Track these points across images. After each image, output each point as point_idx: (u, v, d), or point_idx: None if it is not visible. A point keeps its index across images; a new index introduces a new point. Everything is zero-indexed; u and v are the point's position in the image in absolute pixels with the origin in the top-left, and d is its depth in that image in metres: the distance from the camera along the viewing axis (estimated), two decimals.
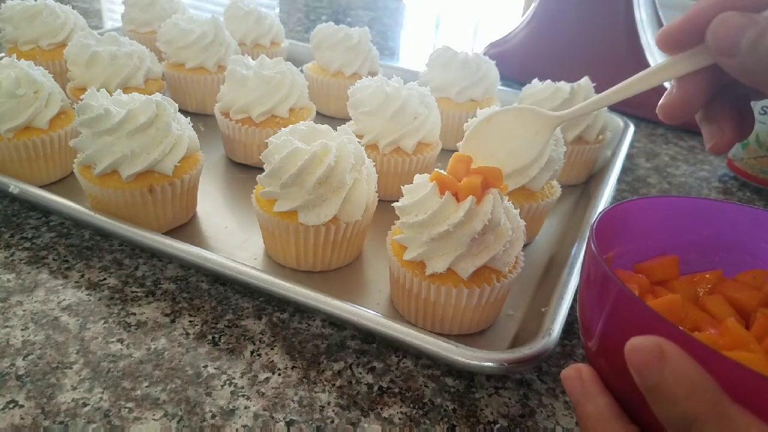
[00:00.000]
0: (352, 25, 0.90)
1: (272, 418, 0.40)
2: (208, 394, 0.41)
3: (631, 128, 0.84)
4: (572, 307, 0.49)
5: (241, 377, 0.43)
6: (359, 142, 0.55)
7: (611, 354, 0.29)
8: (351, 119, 0.68)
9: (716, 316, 0.35)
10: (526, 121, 0.42)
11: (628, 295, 0.28)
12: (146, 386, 0.42)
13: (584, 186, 0.76)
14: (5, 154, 0.61)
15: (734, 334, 0.31)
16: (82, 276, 0.52)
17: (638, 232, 0.39)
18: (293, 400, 0.42)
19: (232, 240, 0.59)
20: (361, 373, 0.44)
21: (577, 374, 0.31)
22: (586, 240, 0.33)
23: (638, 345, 0.25)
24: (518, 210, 0.49)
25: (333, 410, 0.41)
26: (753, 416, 0.23)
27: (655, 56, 1.02)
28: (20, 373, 0.42)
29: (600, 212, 0.36)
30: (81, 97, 0.56)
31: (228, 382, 0.43)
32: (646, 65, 0.99)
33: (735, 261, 0.39)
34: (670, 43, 0.35)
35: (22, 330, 0.46)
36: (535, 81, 0.76)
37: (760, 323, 0.33)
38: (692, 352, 0.24)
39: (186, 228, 0.60)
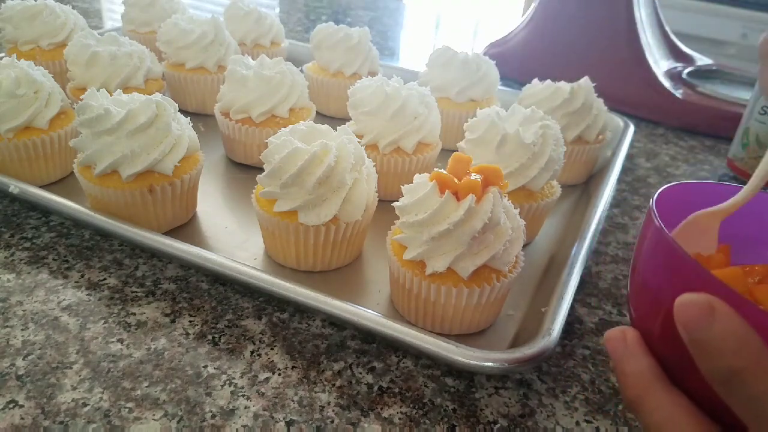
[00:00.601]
0: (352, 25, 0.90)
1: (272, 418, 0.40)
2: (208, 394, 0.41)
3: (631, 128, 0.84)
4: (572, 307, 0.49)
5: (241, 377, 0.43)
6: (359, 142, 0.55)
7: (665, 319, 0.29)
8: (351, 119, 0.68)
9: (765, 304, 0.35)
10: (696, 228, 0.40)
11: (688, 260, 0.28)
12: (146, 386, 0.42)
13: (584, 186, 0.76)
14: (5, 154, 0.61)
15: None
16: (82, 276, 0.52)
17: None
18: (293, 400, 0.42)
19: (232, 240, 0.59)
20: (361, 373, 0.44)
21: (621, 335, 0.32)
22: (647, 211, 0.34)
23: (688, 301, 0.26)
24: (518, 210, 0.49)
25: (333, 410, 0.41)
26: None
27: (654, 56, 1.02)
28: (20, 373, 0.42)
29: (663, 187, 0.36)
30: (81, 97, 0.56)
31: (228, 382, 0.43)
32: (646, 65, 0.99)
33: None
34: None
35: (22, 330, 0.46)
36: (535, 81, 0.76)
37: None
38: (743, 313, 0.25)
39: (186, 228, 0.60)
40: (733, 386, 0.25)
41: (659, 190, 0.36)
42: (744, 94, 0.95)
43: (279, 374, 0.44)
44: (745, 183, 0.37)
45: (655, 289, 0.31)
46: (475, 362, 0.41)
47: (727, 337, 0.24)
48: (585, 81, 0.72)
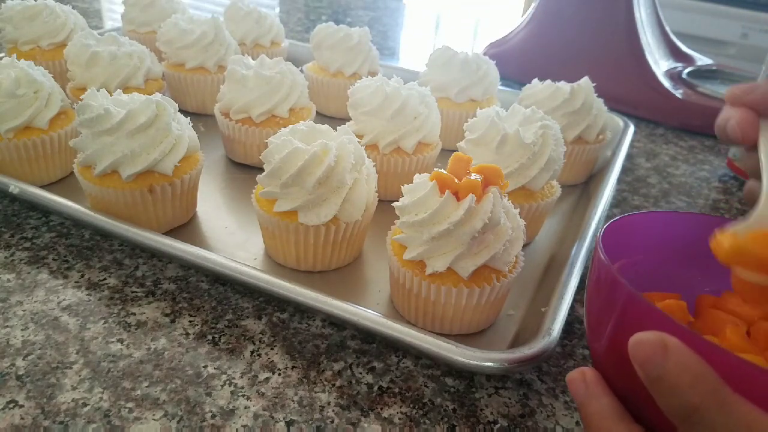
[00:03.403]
0: (352, 25, 0.90)
1: (272, 418, 0.40)
2: (208, 394, 0.41)
3: (631, 128, 0.84)
4: (572, 307, 0.49)
5: (241, 377, 0.43)
6: (359, 142, 0.55)
7: (617, 355, 0.30)
8: (351, 119, 0.68)
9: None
10: None
11: (636, 298, 0.28)
12: (146, 386, 0.42)
13: (584, 186, 0.76)
14: (5, 154, 0.61)
15: (732, 342, 0.32)
16: (82, 276, 0.52)
17: (645, 244, 0.39)
18: (293, 400, 0.42)
19: (232, 240, 0.59)
20: (361, 373, 0.44)
21: (581, 376, 0.32)
22: (594, 247, 0.34)
23: (642, 339, 0.26)
24: (518, 210, 0.49)
25: (333, 410, 0.41)
26: (752, 405, 0.24)
27: (654, 56, 1.02)
28: (20, 373, 0.42)
29: (611, 221, 0.36)
30: (81, 97, 0.56)
31: (228, 382, 0.43)
32: (646, 65, 0.99)
33: None
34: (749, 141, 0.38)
35: (22, 330, 0.46)
36: (535, 81, 0.76)
37: (761, 333, 0.34)
38: (695, 347, 0.25)
39: (186, 228, 0.60)
40: (694, 423, 0.25)
41: (605, 225, 0.36)
42: None
43: (279, 374, 0.44)
44: (745, 183, 0.37)
45: (605, 325, 0.31)
46: (475, 362, 0.41)
47: (682, 372, 0.24)
48: (585, 81, 0.72)
